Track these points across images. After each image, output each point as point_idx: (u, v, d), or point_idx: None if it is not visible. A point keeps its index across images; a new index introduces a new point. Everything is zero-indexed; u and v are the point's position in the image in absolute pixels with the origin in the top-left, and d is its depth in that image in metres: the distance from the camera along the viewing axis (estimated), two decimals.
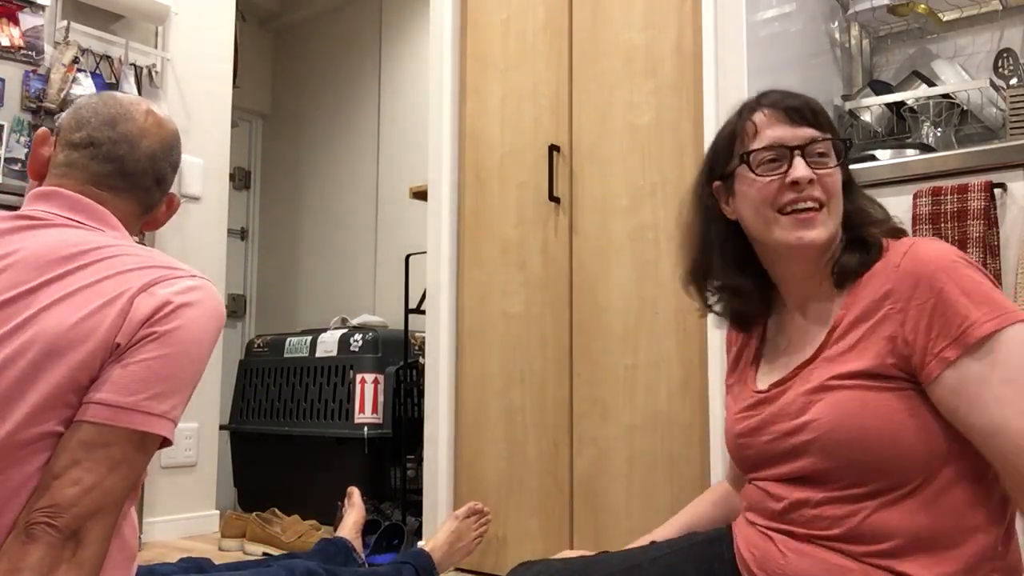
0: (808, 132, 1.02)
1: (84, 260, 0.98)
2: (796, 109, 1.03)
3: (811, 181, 1.00)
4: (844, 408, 0.93)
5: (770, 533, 1.01)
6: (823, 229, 1.00)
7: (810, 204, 1.00)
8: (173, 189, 1.22)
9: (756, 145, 1.04)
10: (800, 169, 1.00)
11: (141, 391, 0.93)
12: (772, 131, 1.03)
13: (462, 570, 2.31)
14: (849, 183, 1.07)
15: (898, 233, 1.04)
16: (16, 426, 0.90)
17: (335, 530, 2.12)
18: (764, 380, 1.07)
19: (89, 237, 1.02)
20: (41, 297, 0.95)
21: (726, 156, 1.08)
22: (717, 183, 1.10)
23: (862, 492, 0.93)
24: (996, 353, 0.88)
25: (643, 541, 1.22)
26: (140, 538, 1.15)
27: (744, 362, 1.14)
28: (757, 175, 1.03)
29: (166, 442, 0.98)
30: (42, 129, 1.13)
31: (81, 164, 1.08)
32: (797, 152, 1.01)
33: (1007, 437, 0.86)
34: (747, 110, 1.07)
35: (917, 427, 0.91)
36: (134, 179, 1.11)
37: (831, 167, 1.02)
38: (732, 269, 1.11)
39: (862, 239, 1.01)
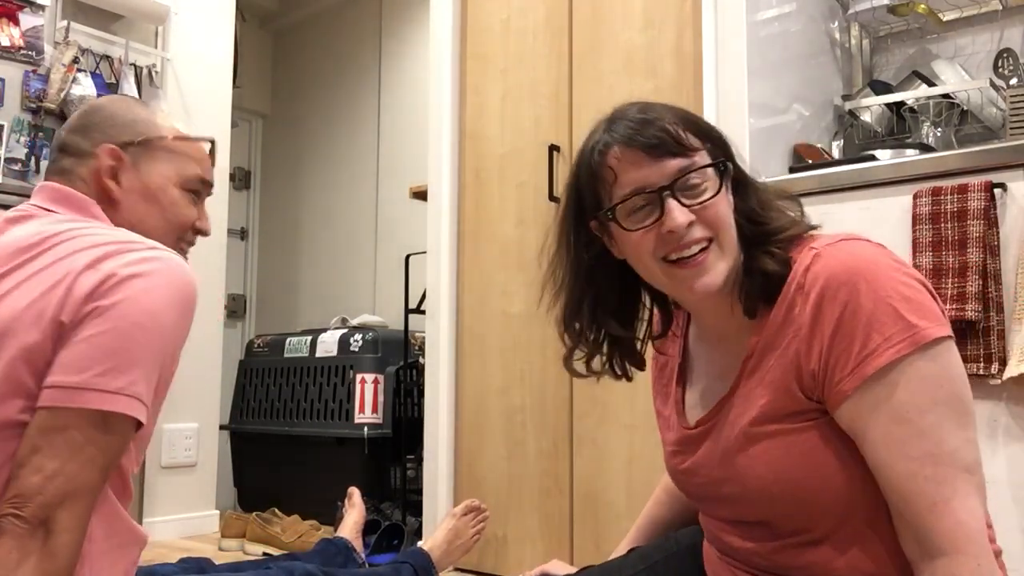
0: (674, 164, 0.88)
1: (43, 247, 0.97)
2: (653, 144, 0.88)
3: (691, 224, 0.87)
4: (767, 460, 0.87)
5: (735, 569, 0.98)
6: (717, 270, 0.88)
7: (695, 249, 0.88)
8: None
9: (619, 193, 0.90)
10: (675, 215, 0.86)
11: (89, 368, 0.90)
12: (633, 174, 0.89)
13: (462, 570, 2.31)
14: (740, 186, 0.93)
15: (807, 233, 0.92)
16: None
17: (335, 530, 2.12)
18: (691, 412, 1.00)
19: (56, 226, 1.00)
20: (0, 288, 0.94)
21: (592, 200, 0.94)
22: (593, 222, 0.96)
23: (807, 539, 0.89)
24: (891, 387, 0.80)
25: (621, 549, 1.22)
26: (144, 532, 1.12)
27: (667, 381, 1.06)
28: (628, 229, 0.90)
29: (139, 423, 0.94)
30: None
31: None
32: (667, 194, 0.87)
33: (888, 479, 0.81)
34: (601, 146, 0.94)
35: (844, 461, 0.85)
36: (61, 153, 1.11)
37: (709, 196, 0.88)
38: (615, 317, 0.99)
39: (766, 256, 0.89)
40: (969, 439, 0.82)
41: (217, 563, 1.70)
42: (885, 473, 0.82)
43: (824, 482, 0.85)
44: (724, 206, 0.89)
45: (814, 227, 0.93)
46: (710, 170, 0.89)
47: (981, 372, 1.50)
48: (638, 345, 1.02)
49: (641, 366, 1.02)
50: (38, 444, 0.88)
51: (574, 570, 1.23)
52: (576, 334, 1.01)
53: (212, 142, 1.22)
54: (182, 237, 1.16)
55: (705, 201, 0.88)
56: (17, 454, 0.89)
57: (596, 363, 1.02)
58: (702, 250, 0.88)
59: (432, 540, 1.95)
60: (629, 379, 1.02)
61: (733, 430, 0.90)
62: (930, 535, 0.79)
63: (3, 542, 0.85)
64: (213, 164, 1.21)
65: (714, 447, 0.93)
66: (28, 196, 1.10)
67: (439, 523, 2.05)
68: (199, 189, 1.17)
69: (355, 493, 2.22)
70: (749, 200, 0.92)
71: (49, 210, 1.05)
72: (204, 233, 1.19)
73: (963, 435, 0.81)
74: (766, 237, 0.90)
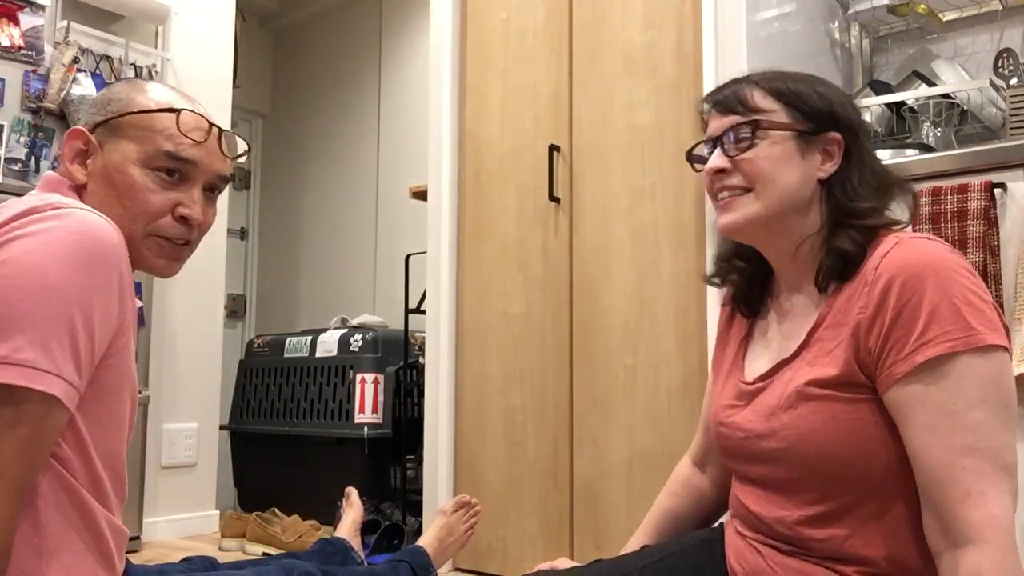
0: (729, 120, 1.00)
1: None
2: (721, 101, 1.02)
3: (723, 170, 0.99)
4: (812, 421, 0.92)
5: (758, 546, 1.00)
6: (741, 211, 0.98)
7: (726, 194, 1.00)
8: None
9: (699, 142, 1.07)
10: (712, 160, 1.00)
11: None
12: (711, 124, 1.04)
13: (462, 570, 2.31)
14: (847, 159, 0.98)
15: (890, 224, 0.99)
16: None
17: (334, 531, 2.12)
18: (751, 370, 1.05)
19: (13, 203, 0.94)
20: None
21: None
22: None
23: (831, 509, 0.92)
24: (942, 379, 0.84)
25: (633, 544, 1.22)
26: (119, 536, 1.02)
27: (735, 342, 1.12)
28: (696, 170, 1.08)
29: (48, 397, 0.82)
30: None
31: None
32: (715, 143, 1.01)
33: (927, 465, 0.84)
34: (702, 103, 1.09)
35: (884, 440, 0.89)
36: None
37: (750, 149, 0.97)
38: (732, 250, 1.11)
39: (845, 237, 0.96)
40: (1011, 444, 0.84)
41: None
42: (924, 459, 0.84)
43: (856, 454, 0.89)
44: (768, 162, 0.97)
45: (899, 223, 0.98)
46: (775, 130, 0.97)
47: None
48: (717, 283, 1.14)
49: (746, 304, 1.12)
50: None
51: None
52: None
53: (206, 120, 1.04)
54: (155, 227, 1.00)
55: (744, 153, 0.98)
56: None
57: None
58: (735, 195, 0.99)
59: (424, 539, 1.94)
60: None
61: (786, 389, 0.95)
62: (960, 524, 0.81)
63: None
64: (210, 137, 1.03)
65: (764, 402, 0.98)
66: None
67: (430, 521, 2.04)
68: (172, 167, 1.00)
69: (352, 493, 2.22)
70: (849, 174, 0.98)
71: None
72: (190, 221, 1.01)
73: (1006, 437, 0.84)
74: (847, 215, 0.96)
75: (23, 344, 0.81)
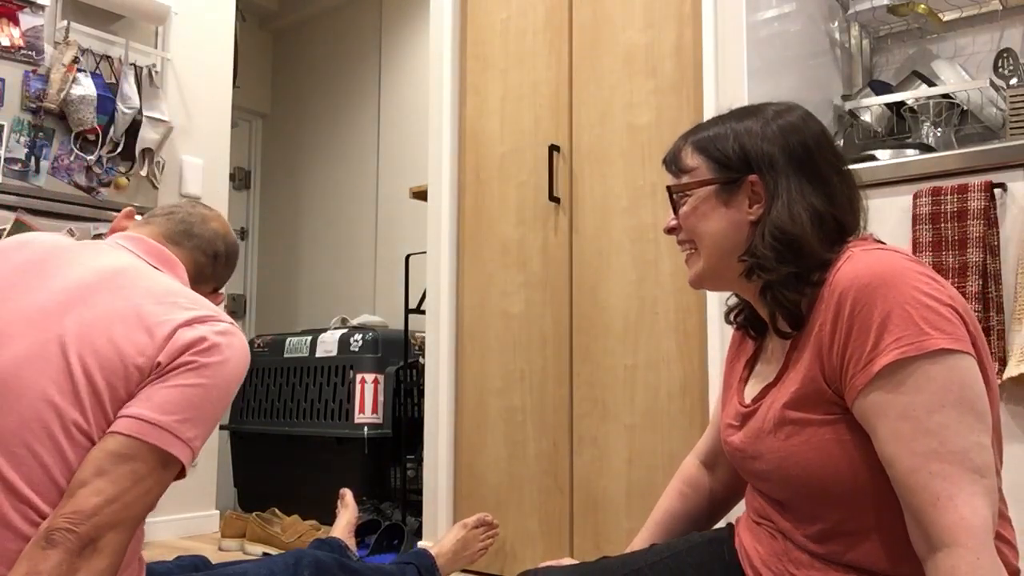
0: (671, 181, 1.07)
1: (127, 276, 1.14)
2: (666, 162, 1.09)
3: (673, 228, 1.07)
4: (791, 444, 0.93)
5: (775, 533, 1.01)
6: (692, 271, 1.06)
7: (684, 249, 1.07)
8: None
9: None
10: (667, 221, 1.08)
11: (173, 413, 0.99)
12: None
13: (461, 570, 2.31)
14: (772, 201, 0.98)
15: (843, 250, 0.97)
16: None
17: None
18: (749, 391, 1.08)
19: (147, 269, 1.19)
20: None
21: None
22: None
23: (826, 527, 0.93)
24: (899, 385, 0.84)
25: (640, 543, 1.22)
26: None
27: (740, 365, 1.14)
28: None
29: (182, 474, 1.01)
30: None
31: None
32: (673, 203, 1.07)
33: (896, 473, 0.84)
34: None
35: (855, 462, 0.89)
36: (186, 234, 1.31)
37: (685, 210, 1.04)
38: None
39: (785, 288, 0.96)
40: (981, 444, 0.83)
41: (214, 562, 1.70)
42: (894, 467, 0.85)
43: (837, 474, 0.90)
44: (695, 218, 1.04)
45: (828, 261, 0.95)
46: (696, 188, 1.03)
47: None
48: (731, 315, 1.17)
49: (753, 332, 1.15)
50: (104, 468, 0.94)
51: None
52: None
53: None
54: None
55: (681, 212, 1.05)
56: (80, 472, 0.94)
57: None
58: (691, 252, 1.06)
59: (439, 547, 1.95)
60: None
61: (768, 412, 0.98)
62: (933, 529, 0.82)
63: (54, 554, 0.89)
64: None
65: (753, 425, 1.01)
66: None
67: (448, 530, 2.04)
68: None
69: (347, 494, 2.22)
70: (774, 217, 0.97)
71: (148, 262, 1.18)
72: None
73: (973, 439, 0.83)
74: (791, 259, 0.96)
75: (202, 435, 1.02)
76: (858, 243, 0.96)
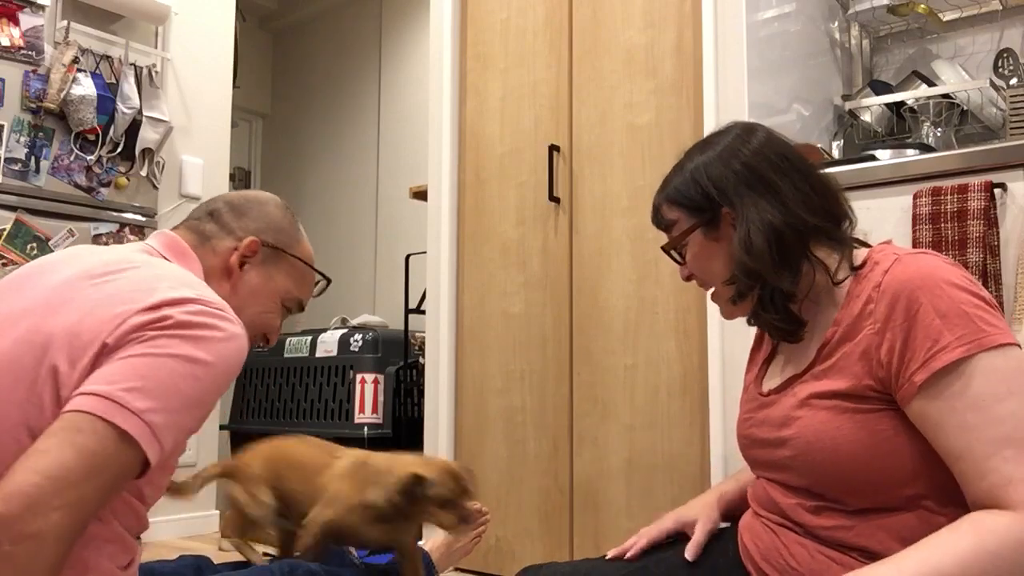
0: (664, 237, 1.12)
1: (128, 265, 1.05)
2: (654, 223, 1.14)
3: (690, 276, 1.12)
4: (818, 430, 0.95)
5: (774, 528, 1.03)
6: (722, 311, 1.10)
7: (708, 290, 1.11)
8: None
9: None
10: (681, 271, 1.13)
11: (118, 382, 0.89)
12: None
13: (461, 570, 2.31)
14: (745, 225, 1.02)
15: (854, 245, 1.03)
16: None
17: None
18: (768, 383, 1.10)
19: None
20: None
21: None
22: None
23: (844, 510, 0.95)
24: (964, 379, 0.86)
25: (669, 522, 1.21)
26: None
27: (759, 361, 1.17)
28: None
29: (145, 465, 0.90)
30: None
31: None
32: (674, 257, 1.12)
33: (968, 464, 0.85)
34: None
35: (890, 450, 0.91)
36: (210, 217, 1.22)
37: (687, 258, 1.09)
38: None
39: (772, 302, 1.02)
40: None
41: (216, 563, 1.69)
42: (965, 459, 0.86)
43: (865, 460, 0.92)
44: (696, 263, 1.09)
45: (797, 270, 1.01)
46: (684, 236, 1.08)
47: None
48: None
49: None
50: (45, 446, 0.86)
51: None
52: None
53: (328, 281, 1.35)
54: (255, 337, 1.22)
55: (685, 261, 1.11)
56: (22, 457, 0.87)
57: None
58: (712, 292, 1.10)
59: (432, 542, 1.95)
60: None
61: (796, 399, 1.00)
62: (1002, 506, 0.83)
63: None
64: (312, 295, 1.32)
65: (775, 414, 1.03)
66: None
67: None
68: (292, 309, 1.26)
69: None
70: (732, 249, 1.03)
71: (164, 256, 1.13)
72: (269, 343, 1.28)
73: None
74: (756, 283, 1.02)
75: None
76: (882, 246, 1.01)
